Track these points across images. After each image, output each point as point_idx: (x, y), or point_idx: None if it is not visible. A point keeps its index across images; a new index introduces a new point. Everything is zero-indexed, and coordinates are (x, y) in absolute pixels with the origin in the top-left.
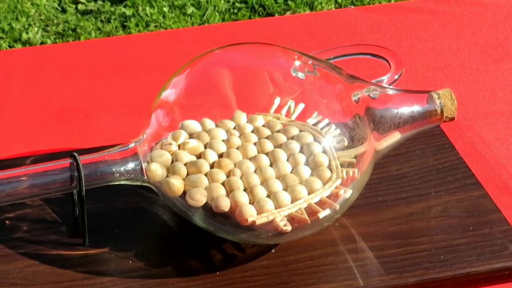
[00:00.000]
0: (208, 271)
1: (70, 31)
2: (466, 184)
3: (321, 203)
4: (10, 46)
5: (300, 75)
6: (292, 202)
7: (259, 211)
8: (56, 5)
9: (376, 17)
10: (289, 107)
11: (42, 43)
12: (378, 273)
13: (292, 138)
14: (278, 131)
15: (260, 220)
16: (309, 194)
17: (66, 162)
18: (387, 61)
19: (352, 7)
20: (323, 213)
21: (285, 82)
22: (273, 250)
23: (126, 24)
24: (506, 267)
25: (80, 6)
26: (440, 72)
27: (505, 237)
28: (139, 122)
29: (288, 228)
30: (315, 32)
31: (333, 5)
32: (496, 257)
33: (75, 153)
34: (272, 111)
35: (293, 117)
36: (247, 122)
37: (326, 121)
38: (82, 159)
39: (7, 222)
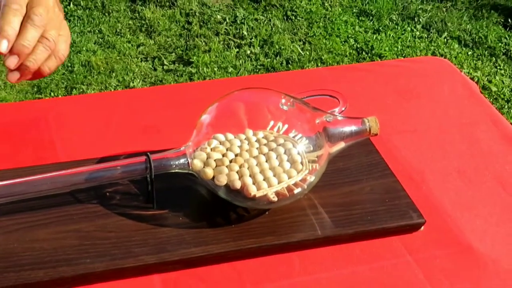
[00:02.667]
0: (227, 224)
1: (158, 82)
2: (385, 174)
3: (296, 184)
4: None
5: (285, 107)
6: (278, 184)
7: (258, 189)
8: (150, 66)
9: (335, 73)
10: (278, 127)
11: None
12: (330, 226)
13: (279, 145)
14: (271, 141)
15: (258, 194)
16: (288, 179)
17: (143, 158)
18: (338, 99)
19: (323, 67)
20: (296, 190)
21: (276, 111)
22: (266, 213)
23: (192, 78)
24: (408, 224)
25: (165, 67)
26: (371, 107)
27: (407, 206)
28: (188, 134)
29: (275, 199)
30: (298, 81)
31: (315, 66)
32: (402, 218)
33: (148, 153)
34: (268, 128)
35: (280, 132)
36: (252, 135)
37: (300, 135)
38: (153, 157)
39: (107, 194)
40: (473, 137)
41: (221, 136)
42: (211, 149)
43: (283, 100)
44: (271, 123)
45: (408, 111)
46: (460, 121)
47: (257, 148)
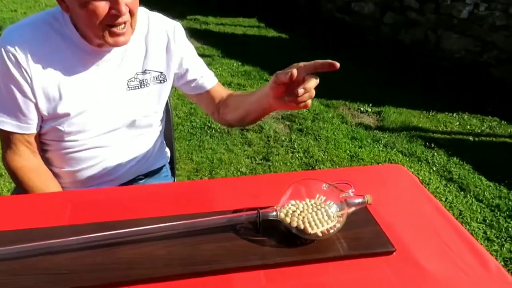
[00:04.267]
0: (295, 246)
1: (254, 171)
2: (372, 222)
3: (330, 228)
4: None
5: (324, 188)
6: (322, 227)
7: (312, 229)
8: (250, 161)
9: (345, 172)
10: (321, 198)
11: None
12: (346, 249)
13: (322, 207)
14: (318, 205)
15: (312, 231)
16: (327, 225)
17: (254, 211)
18: (350, 185)
19: (338, 168)
20: (331, 231)
21: (319, 190)
22: (315, 241)
23: (270, 168)
24: (383, 251)
25: (257, 161)
26: (368, 193)
27: (378, 237)
28: (276, 201)
29: (320, 235)
30: (327, 175)
31: (329, 165)
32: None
33: (258, 209)
34: (316, 198)
35: (322, 201)
36: (308, 201)
37: (332, 202)
38: (261, 211)
39: (237, 228)
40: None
41: (293, 202)
42: (289, 208)
43: (323, 185)
44: (317, 195)
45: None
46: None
47: (311, 208)
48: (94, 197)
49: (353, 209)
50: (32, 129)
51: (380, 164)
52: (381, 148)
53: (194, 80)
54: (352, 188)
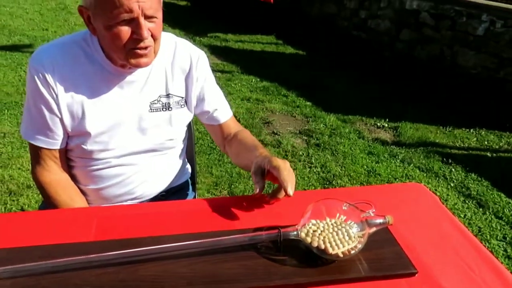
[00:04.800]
0: (316, 266)
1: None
2: (393, 242)
3: (352, 249)
4: None
5: (345, 208)
6: (343, 248)
7: (333, 249)
8: None
9: (364, 190)
10: (341, 217)
11: None
12: (367, 271)
13: (343, 227)
14: (338, 225)
15: (333, 252)
16: (348, 246)
17: (276, 230)
18: (371, 205)
19: (358, 186)
20: (352, 252)
21: (340, 209)
22: (335, 261)
23: None
24: (404, 273)
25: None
26: (388, 213)
27: (400, 258)
28: (297, 219)
29: (341, 255)
30: (346, 194)
31: (346, 180)
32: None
33: (279, 228)
34: (336, 218)
35: (343, 220)
36: (329, 221)
37: (353, 222)
38: (282, 230)
39: (258, 246)
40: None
41: (314, 221)
42: (309, 227)
43: (344, 204)
44: (337, 215)
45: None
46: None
47: (332, 228)
48: (118, 213)
49: (374, 229)
50: (59, 144)
51: (400, 183)
52: (398, 164)
53: (208, 112)
54: (372, 208)
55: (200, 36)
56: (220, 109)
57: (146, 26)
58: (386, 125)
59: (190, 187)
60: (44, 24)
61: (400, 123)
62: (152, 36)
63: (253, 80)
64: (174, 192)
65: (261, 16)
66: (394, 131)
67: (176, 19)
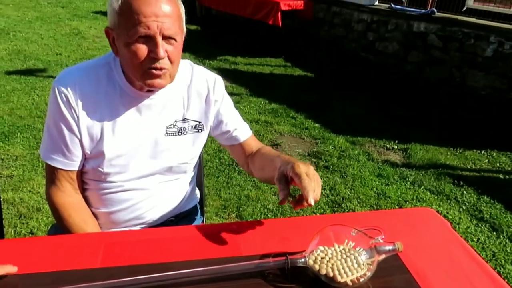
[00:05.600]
0: None
1: (286, 214)
2: (403, 270)
3: (361, 277)
4: None
5: (353, 234)
6: (352, 275)
7: (342, 277)
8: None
9: (373, 215)
10: (350, 244)
11: None
12: None
13: (351, 254)
14: (347, 252)
15: (342, 280)
16: (357, 273)
17: (283, 257)
18: (380, 231)
19: (368, 211)
20: (361, 280)
21: (348, 236)
22: None
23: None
24: None
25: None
26: (398, 239)
27: (410, 286)
28: (305, 247)
29: (350, 283)
30: (354, 219)
31: (356, 203)
32: None
33: (287, 255)
34: (345, 244)
35: (351, 247)
36: (337, 247)
37: (361, 249)
38: (290, 257)
39: (265, 273)
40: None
41: (322, 248)
42: (317, 254)
43: (352, 230)
44: (346, 241)
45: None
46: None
47: (340, 255)
48: (126, 238)
49: (383, 256)
50: (76, 166)
51: (410, 208)
52: (408, 186)
53: (228, 132)
54: (382, 234)
55: (210, 59)
56: (240, 128)
57: (163, 46)
58: (396, 146)
59: (199, 211)
60: (58, 49)
61: (410, 145)
62: (169, 58)
63: (262, 102)
64: (183, 217)
65: (269, 39)
66: (404, 153)
67: (187, 43)
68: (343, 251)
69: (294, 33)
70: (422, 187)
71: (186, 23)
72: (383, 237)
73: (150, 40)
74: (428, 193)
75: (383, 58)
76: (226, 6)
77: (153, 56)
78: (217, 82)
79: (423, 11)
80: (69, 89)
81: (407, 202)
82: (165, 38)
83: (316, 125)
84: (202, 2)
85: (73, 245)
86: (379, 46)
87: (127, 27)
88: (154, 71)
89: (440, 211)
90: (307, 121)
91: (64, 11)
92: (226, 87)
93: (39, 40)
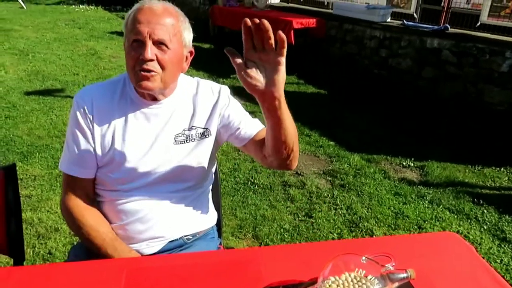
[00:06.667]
0: None
1: (297, 228)
2: None
3: None
4: None
5: (363, 261)
6: None
7: None
8: (292, 218)
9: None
10: (361, 271)
11: None
12: None
13: (363, 283)
14: (358, 281)
15: None
16: None
17: None
18: (391, 258)
19: (388, 236)
20: None
21: (359, 264)
22: None
23: (313, 224)
24: None
25: (300, 218)
26: (409, 265)
27: None
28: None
29: None
30: (366, 245)
31: (373, 223)
32: None
33: (298, 285)
34: (355, 272)
35: (362, 275)
36: (348, 276)
37: (373, 277)
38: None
39: None
40: None
41: (332, 278)
42: (329, 285)
43: (363, 258)
44: (356, 269)
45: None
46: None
47: (352, 285)
48: (147, 264)
49: (396, 284)
50: (90, 174)
51: (432, 232)
52: (426, 205)
53: (238, 129)
54: (392, 262)
55: (223, 77)
56: (249, 124)
57: (152, 49)
58: (412, 164)
59: (216, 233)
60: (75, 69)
61: (427, 162)
62: (159, 63)
63: None
64: (200, 237)
65: None
66: (421, 171)
67: (200, 61)
68: (355, 280)
69: (306, 50)
70: (441, 206)
71: (199, 42)
72: (394, 264)
73: (141, 44)
74: (448, 212)
75: (397, 74)
76: (239, 25)
77: (141, 58)
78: (223, 89)
79: (436, 27)
80: (86, 101)
81: (426, 222)
82: (156, 43)
83: (331, 142)
84: (215, 22)
85: (94, 271)
86: (392, 62)
87: (127, 35)
88: (143, 73)
89: (460, 231)
90: (322, 139)
91: (81, 32)
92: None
93: (57, 60)
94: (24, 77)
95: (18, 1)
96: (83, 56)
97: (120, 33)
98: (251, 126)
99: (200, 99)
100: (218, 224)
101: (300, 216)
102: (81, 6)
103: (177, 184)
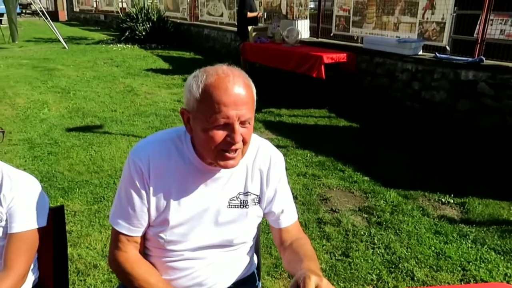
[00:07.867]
0: None
1: None
2: None
3: None
4: None
5: None
6: None
7: None
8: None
9: None
10: None
11: None
12: None
13: None
14: None
15: None
16: None
17: None
18: None
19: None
20: None
21: None
22: None
23: None
24: None
25: None
26: None
27: None
28: None
29: None
30: None
31: (414, 264)
32: None
33: None
34: None
35: None
36: None
37: None
38: None
39: None
40: None
41: None
42: None
43: None
44: None
45: None
46: None
47: None
48: None
49: None
50: (140, 232)
51: (484, 283)
52: (469, 245)
53: (275, 213)
54: None
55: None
56: (286, 212)
57: (239, 131)
58: (452, 200)
59: (256, 277)
60: (113, 106)
61: (467, 199)
62: (243, 140)
63: (308, 154)
64: (242, 284)
65: (312, 90)
66: (461, 208)
67: None
68: None
69: (337, 83)
70: (486, 246)
71: None
72: None
73: (228, 126)
74: (493, 253)
75: (430, 107)
76: (270, 61)
77: (229, 141)
78: (279, 161)
79: (470, 59)
80: (142, 161)
81: (470, 263)
82: (241, 123)
83: (365, 178)
84: (246, 57)
85: None
86: (425, 95)
87: (206, 114)
88: (228, 154)
89: (509, 274)
90: (356, 174)
91: (118, 70)
92: (272, 140)
93: (96, 97)
94: (65, 114)
95: (60, 41)
96: (120, 93)
97: (155, 70)
98: (287, 217)
99: (258, 164)
100: (258, 268)
101: (336, 255)
102: (118, 45)
103: (227, 246)
